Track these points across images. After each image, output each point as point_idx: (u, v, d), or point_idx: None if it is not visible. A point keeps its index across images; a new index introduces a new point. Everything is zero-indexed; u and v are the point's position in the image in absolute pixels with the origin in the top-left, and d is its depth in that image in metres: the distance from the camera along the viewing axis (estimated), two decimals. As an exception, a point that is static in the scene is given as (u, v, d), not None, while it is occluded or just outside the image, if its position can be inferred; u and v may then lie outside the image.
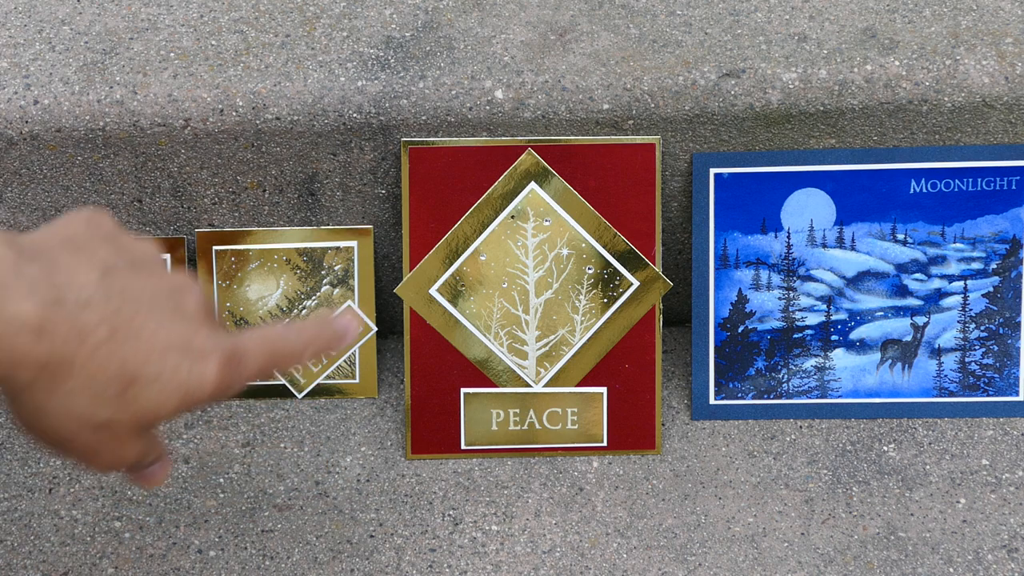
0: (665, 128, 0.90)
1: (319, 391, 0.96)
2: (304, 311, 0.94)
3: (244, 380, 0.62)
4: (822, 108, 0.89)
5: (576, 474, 0.91)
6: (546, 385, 0.92)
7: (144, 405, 0.57)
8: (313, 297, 0.94)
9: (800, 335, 0.94)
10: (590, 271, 0.91)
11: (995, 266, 0.93)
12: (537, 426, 0.92)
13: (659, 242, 0.91)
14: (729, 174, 0.91)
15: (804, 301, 0.93)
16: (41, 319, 0.53)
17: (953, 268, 0.93)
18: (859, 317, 0.94)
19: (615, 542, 0.87)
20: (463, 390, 0.92)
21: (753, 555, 0.86)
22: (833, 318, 0.94)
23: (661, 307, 0.91)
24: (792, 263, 0.93)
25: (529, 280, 0.91)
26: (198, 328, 0.59)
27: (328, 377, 0.96)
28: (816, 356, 0.94)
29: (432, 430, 0.92)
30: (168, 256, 0.93)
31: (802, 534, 0.88)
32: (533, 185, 0.90)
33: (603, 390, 0.92)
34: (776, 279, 0.93)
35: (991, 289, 0.93)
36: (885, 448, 0.93)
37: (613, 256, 0.90)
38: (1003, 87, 0.89)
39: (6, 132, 0.89)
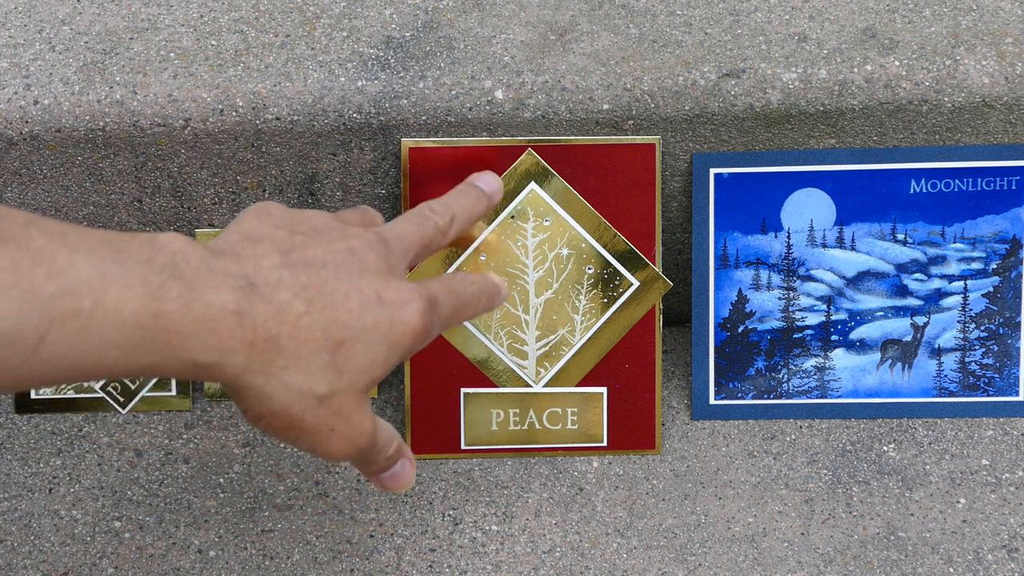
0: (665, 128, 0.90)
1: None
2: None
3: (440, 326, 0.65)
4: (822, 108, 0.89)
5: (576, 474, 0.91)
6: (546, 385, 0.92)
7: (356, 367, 0.60)
8: (313, 297, 0.93)
9: (800, 335, 0.94)
10: (590, 271, 0.91)
11: (995, 266, 0.93)
12: (537, 426, 0.92)
13: (659, 242, 0.91)
14: (729, 174, 0.91)
15: (804, 301, 0.93)
16: (238, 303, 0.56)
17: (953, 268, 0.93)
18: (859, 317, 0.94)
19: (615, 542, 0.87)
20: (463, 390, 0.92)
21: (753, 555, 0.86)
22: (833, 318, 0.94)
23: (661, 307, 0.91)
24: (792, 263, 0.93)
25: (529, 280, 0.91)
26: (387, 281, 0.62)
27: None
28: (816, 356, 0.94)
29: (432, 430, 0.92)
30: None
31: (802, 534, 0.88)
32: (533, 185, 0.90)
33: (603, 390, 0.92)
34: (776, 279, 0.93)
35: (991, 289, 0.93)
36: (885, 448, 0.93)
37: (613, 256, 0.90)
38: (1003, 87, 0.89)
39: (6, 132, 0.89)
